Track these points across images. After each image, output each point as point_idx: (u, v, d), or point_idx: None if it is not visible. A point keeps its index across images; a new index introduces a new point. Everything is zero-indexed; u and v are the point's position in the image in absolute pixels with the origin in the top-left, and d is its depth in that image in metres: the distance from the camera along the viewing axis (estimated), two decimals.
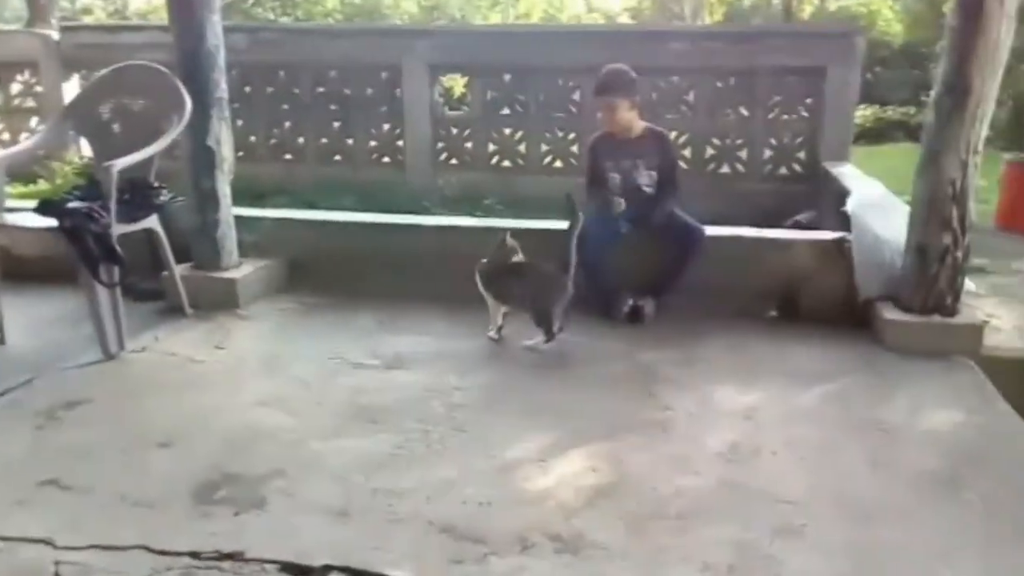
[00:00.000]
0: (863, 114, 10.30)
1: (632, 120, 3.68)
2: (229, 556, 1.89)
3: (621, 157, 3.67)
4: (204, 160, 3.62)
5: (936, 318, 3.22)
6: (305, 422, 2.60)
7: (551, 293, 3.17)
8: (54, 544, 1.93)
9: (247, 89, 6.74)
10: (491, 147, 6.58)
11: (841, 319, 3.44)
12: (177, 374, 2.98)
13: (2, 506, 2.10)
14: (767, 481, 2.26)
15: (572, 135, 6.36)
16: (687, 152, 5.97)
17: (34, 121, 7.31)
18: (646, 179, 3.65)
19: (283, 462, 2.33)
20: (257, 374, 2.99)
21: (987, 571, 1.89)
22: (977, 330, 3.20)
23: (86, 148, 5.58)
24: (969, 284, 3.40)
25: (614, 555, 1.92)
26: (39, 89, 7.28)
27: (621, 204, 3.55)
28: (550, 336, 3.18)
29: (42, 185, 6.08)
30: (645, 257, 3.58)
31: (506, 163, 6.53)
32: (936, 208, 3.18)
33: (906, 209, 3.43)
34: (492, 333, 3.33)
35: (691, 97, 6.15)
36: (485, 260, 3.33)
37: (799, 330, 3.43)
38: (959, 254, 3.20)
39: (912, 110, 11.86)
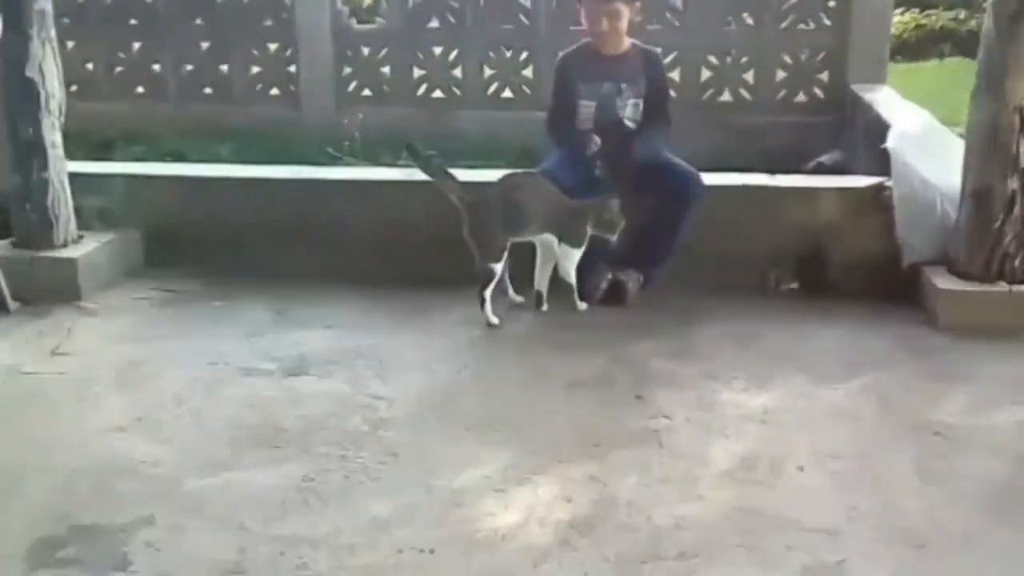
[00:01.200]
0: (899, 20, 10.37)
1: (623, 32, 3.65)
2: None
3: (600, 80, 3.63)
4: (22, 98, 3.55)
5: (1001, 285, 3.31)
6: (179, 451, 2.57)
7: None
8: None
9: None
10: (416, 72, 6.51)
11: (879, 290, 3.52)
12: (2, 392, 2.92)
13: None
14: (792, 505, 2.31)
15: (524, 54, 6.32)
16: (675, 75, 5.98)
17: None
18: (630, 110, 3.63)
19: (151, 506, 2.30)
20: (112, 388, 2.95)
21: None
22: None
23: None
24: None
25: None
26: None
27: (596, 142, 3.54)
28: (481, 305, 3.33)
29: None
30: (627, 216, 3.59)
31: (437, 93, 6.48)
32: (998, 143, 3.26)
33: (961, 145, 3.50)
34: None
35: (679, 2, 6.16)
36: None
37: (826, 306, 3.51)
38: None
39: (962, 14, 12.07)
